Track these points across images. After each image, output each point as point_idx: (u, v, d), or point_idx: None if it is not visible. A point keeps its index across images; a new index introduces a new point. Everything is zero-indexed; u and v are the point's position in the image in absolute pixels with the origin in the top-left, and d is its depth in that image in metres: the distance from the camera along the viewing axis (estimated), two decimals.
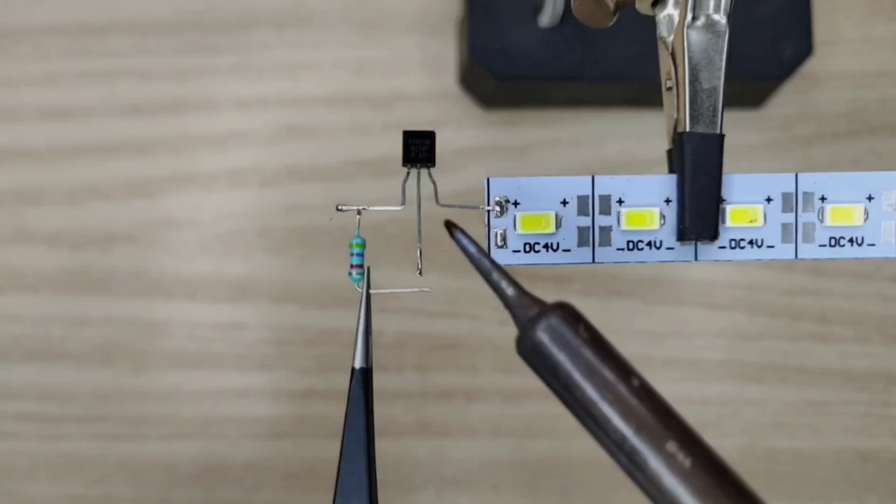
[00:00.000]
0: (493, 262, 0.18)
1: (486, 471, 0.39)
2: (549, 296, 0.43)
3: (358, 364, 0.21)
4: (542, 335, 0.17)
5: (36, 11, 0.40)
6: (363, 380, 0.21)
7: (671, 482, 0.16)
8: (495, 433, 0.39)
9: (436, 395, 0.39)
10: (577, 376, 0.17)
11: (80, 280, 0.39)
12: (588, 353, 0.17)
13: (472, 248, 0.19)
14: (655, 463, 0.16)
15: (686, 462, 0.16)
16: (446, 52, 0.40)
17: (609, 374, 0.17)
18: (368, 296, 0.21)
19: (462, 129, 0.40)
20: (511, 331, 0.41)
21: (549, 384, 0.18)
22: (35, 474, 0.39)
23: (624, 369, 0.17)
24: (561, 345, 0.17)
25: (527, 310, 0.18)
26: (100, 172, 0.39)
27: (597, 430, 0.17)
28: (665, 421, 0.16)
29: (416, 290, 0.22)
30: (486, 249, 0.19)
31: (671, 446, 0.16)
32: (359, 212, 0.21)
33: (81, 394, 0.39)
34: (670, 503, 0.16)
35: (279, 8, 0.40)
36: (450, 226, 0.19)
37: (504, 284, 0.18)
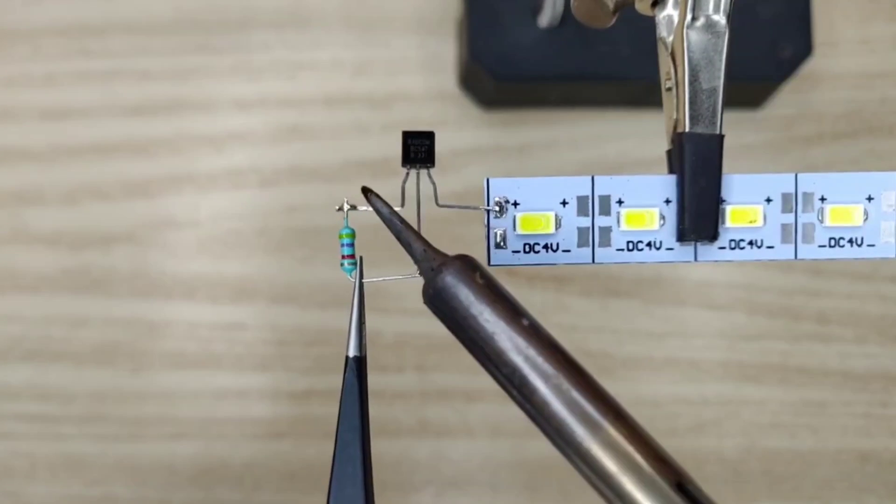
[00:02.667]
0: (403, 221, 0.20)
1: (486, 471, 0.39)
2: (549, 296, 0.43)
3: (352, 353, 0.21)
4: (443, 282, 0.19)
5: (35, 11, 0.40)
6: (357, 368, 0.21)
7: (556, 408, 0.18)
8: (495, 433, 0.39)
9: (435, 395, 0.39)
10: (473, 317, 0.19)
11: (79, 280, 0.39)
12: (483, 297, 0.19)
13: (384, 210, 0.20)
14: (542, 392, 0.18)
15: (570, 392, 0.18)
16: (445, 52, 0.40)
17: (501, 315, 0.18)
18: (361, 285, 0.22)
19: (461, 129, 0.40)
20: None
21: (449, 327, 0.19)
22: (34, 474, 0.39)
23: (515, 311, 0.19)
24: (458, 290, 0.19)
25: (431, 262, 0.20)
26: (99, 173, 0.39)
27: (491, 367, 0.19)
28: (551, 355, 0.18)
29: (409, 275, 0.22)
30: (398, 213, 0.21)
31: (556, 378, 0.18)
32: (346, 207, 0.21)
33: (81, 394, 0.39)
34: (556, 429, 0.18)
35: (278, 8, 0.40)
36: (366, 191, 0.21)
37: (412, 241, 0.20)
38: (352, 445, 0.20)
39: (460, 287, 0.19)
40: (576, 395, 0.18)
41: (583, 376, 0.18)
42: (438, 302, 0.19)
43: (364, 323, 0.22)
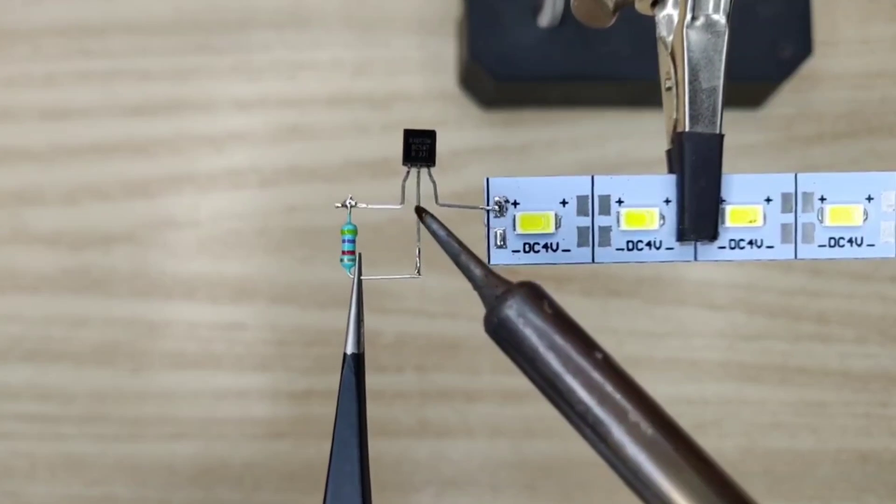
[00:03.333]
0: (461, 244, 0.19)
1: (486, 471, 0.39)
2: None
3: (350, 350, 0.21)
4: (508, 312, 0.18)
5: (35, 11, 0.40)
6: (355, 365, 0.21)
7: (633, 451, 0.16)
8: (495, 434, 0.39)
9: (435, 395, 0.39)
10: (542, 350, 0.17)
11: (79, 280, 0.39)
12: (552, 328, 0.17)
13: (441, 232, 0.19)
14: (618, 433, 0.17)
15: (648, 431, 0.16)
16: (446, 52, 0.40)
17: (573, 348, 0.17)
18: (360, 282, 0.21)
19: (461, 129, 0.40)
20: None
21: (515, 360, 0.18)
22: (34, 474, 0.39)
23: (587, 343, 0.17)
24: (526, 321, 0.18)
25: (494, 289, 0.18)
26: (99, 172, 0.39)
27: (561, 403, 0.17)
28: (628, 392, 0.17)
29: (408, 276, 0.22)
30: (455, 234, 0.19)
31: (634, 416, 0.17)
32: (348, 203, 0.21)
33: (81, 394, 0.39)
34: (633, 471, 0.17)
35: (278, 8, 0.40)
36: (420, 211, 0.20)
37: (472, 265, 0.19)
38: (349, 444, 0.20)
39: (528, 316, 0.18)
40: (655, 435, 0.16)
41: (661, 415, 0.17)
42: (504, 332, 0.18)
43: (362, 320, 0.21)
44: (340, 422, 0.20)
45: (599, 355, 0.17)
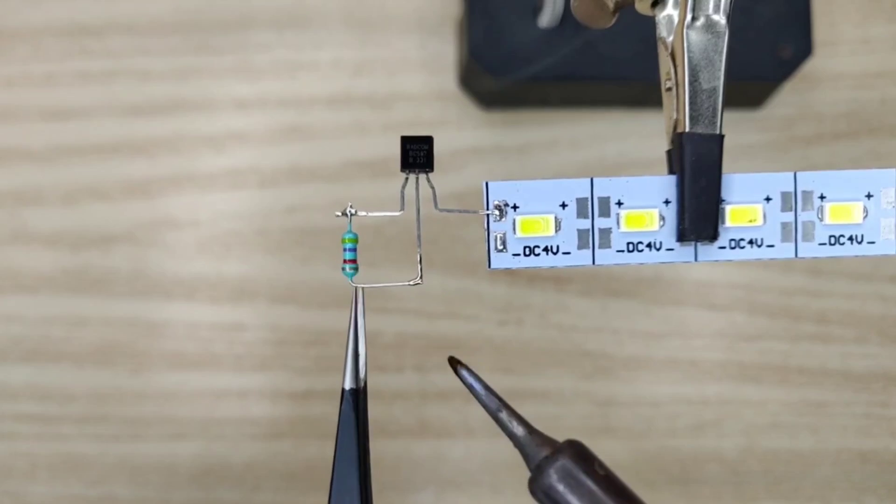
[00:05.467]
0: (500, 400, 0.19)
1: (486, 471, 0.39)
2: (549, 296, 0.43)
3: (347, 385, 0.20)
4: (555, 476, 0.17)
5: (35, 11, 0.40)
6: (353, 401, 0.20)
7: None
8: (494, 434, 0.39)
9: (435, 395, 0.39)
10: None
11: (79, 280, 0.39)
12: (606, 492, 0.17)
13: (478, 387, 0.19)
14: None
15: None
16: (446, 52, 0.40)
17: None
18: (356, 318, 0.21)
19: (461, 129, 0.40)
20: (510, 331, 0.41)
21: None
22: (34, 474, 0.39)
23: None
24: (574, 487, 0.17)
25: (538, 450, 0.18)
26: (99, 173, 0.39)
27: None
28: None
29: (408, 282, 0.22)
30: (493, 388, 0.18)
31: None
32: (348, 212, 0.21)
33: (81, 394, 0.39)
34: None
35: (278, 8, 0.40)
36: (454, 363, 0.19)
37: (514, 424, 0.18)
38: (349, 480, 0.20)
39: (575, 483, 0.17)
40: None
41: None
42: (554, 493, 0.17)
43: (360, 355, 0.20)
44: (339, 458, 0.20)
45: None
